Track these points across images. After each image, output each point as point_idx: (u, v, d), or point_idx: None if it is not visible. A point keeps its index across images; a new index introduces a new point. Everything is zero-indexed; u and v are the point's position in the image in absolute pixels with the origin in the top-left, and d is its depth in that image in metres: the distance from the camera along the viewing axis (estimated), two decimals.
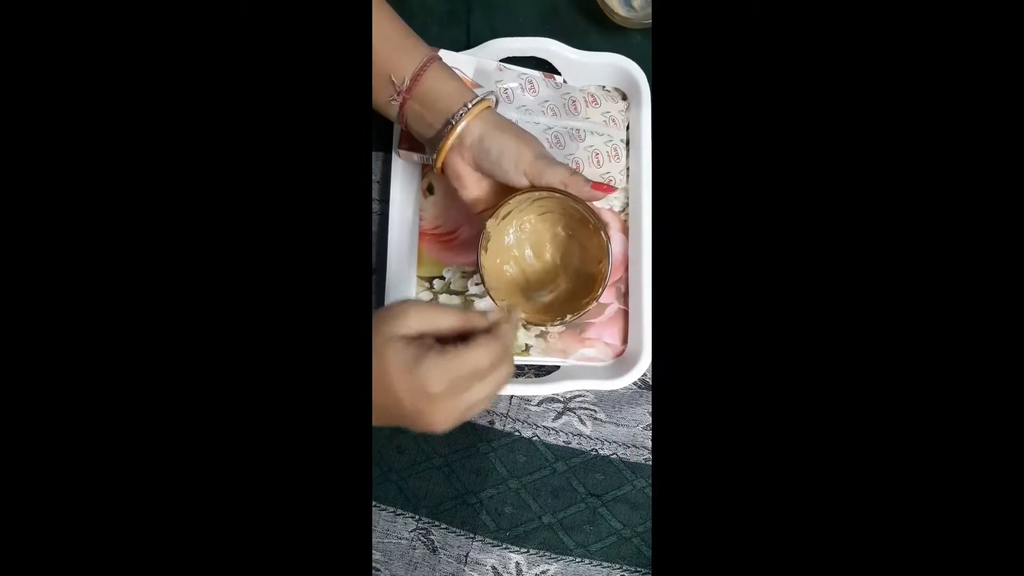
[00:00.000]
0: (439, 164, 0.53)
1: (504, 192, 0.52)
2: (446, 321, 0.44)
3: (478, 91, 0.54)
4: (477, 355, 0.42)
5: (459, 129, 0.51)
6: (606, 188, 0.52)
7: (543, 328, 0.61)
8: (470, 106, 0.51)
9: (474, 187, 0.54)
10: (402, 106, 0.53)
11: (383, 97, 0.53)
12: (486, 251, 0.54)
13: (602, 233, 0.53)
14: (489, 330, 0.44)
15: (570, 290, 0.57)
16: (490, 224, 0.53)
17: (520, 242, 0.58)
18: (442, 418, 0.42)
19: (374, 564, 0.59)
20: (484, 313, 0.46)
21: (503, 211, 0.53)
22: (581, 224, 0.55)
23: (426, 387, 0.41)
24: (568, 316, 0.54)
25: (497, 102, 0.55)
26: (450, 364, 0.42)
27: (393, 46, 0.52)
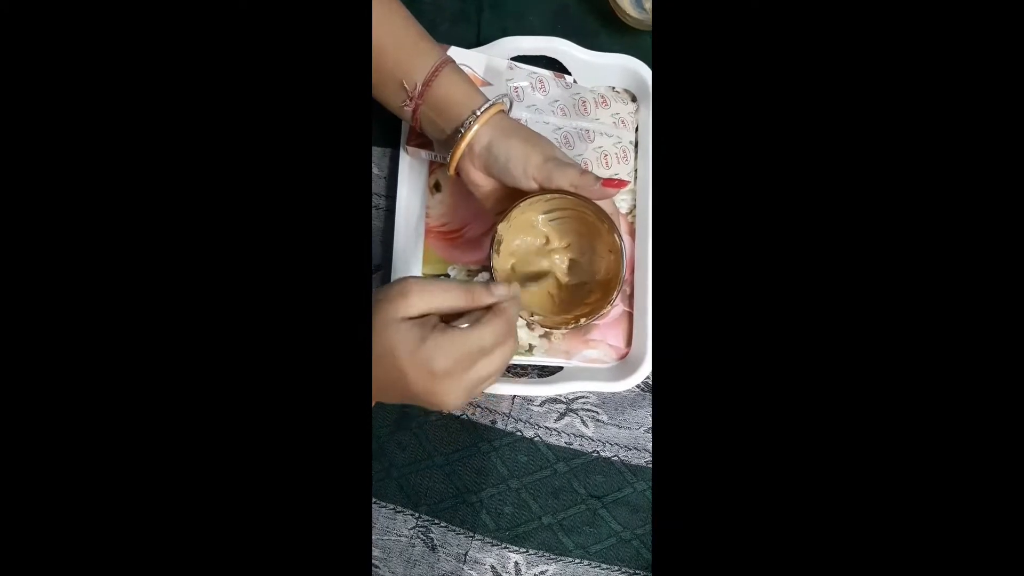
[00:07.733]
0: (452, 170, 0.53)
1: (519, 194, 0.52)
2: (448, 300, 0.44)
3: (491, 93, 0.53)
4: (481, 333, 0.43)
5: (468, 137, 0.51)
6: (617, 183, 0.51)
7: (548, 329, 0.61)
8: (478, 113, 0.51)
9: (488, 191, 0.54)
10: (415, 111, 0.52)
11: (396, 101, 0.53)
12: (498, 254, 0.54)
13: (615, 235, 0.52)
14: (491, 307, 0.44)
15: (582, 292, 0.57)
16: (501, 227, 0.53)
17: (531, 244, 0.58)
18: (452, 397, 0.43)
19: (373, 561, 0.58)
20: (487, 286, 0.45)
21: (514, 214, 0.53)
22: (592, 226, 0.55)
23: (431, 366, 0.41)
24: (583, 320, 0.54)
25: (511, 105, 0.54)
26: (454, 343, 0.42)
27: (407, 50, 0.52)
